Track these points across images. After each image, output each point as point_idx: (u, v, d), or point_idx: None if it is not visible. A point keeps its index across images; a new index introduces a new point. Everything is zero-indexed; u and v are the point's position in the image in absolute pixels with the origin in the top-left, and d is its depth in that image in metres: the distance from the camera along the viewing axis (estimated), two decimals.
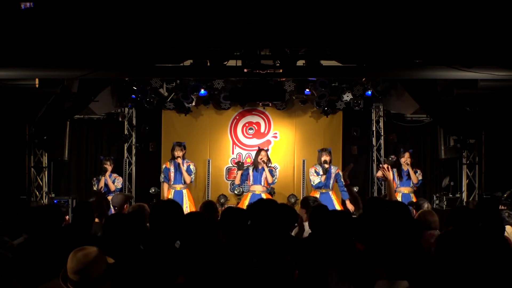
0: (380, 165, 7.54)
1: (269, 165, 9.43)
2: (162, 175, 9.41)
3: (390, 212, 4.20)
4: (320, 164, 9.15)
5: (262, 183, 9.13)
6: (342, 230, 3.48)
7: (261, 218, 3.84)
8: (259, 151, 9.36)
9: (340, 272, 2.65)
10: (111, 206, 5.90)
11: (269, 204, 4.07)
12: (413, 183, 9.02)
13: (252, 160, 9.58)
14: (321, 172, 9.08)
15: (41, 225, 3.66)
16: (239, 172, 9.27)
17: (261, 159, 9.11)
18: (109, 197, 6.74)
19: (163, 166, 9.51)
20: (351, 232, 3.53)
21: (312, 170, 9.26)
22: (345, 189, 8.38)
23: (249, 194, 9.10)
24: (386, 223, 3.97)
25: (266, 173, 9.08)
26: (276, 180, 9.64)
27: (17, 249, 3.67)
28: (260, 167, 9.10)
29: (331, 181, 9.15)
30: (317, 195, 8.88)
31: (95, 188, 9.08)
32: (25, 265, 3.33)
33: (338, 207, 8.74)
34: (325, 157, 9.09)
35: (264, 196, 8.66)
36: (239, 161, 9.87)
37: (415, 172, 9.08)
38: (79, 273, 2.57)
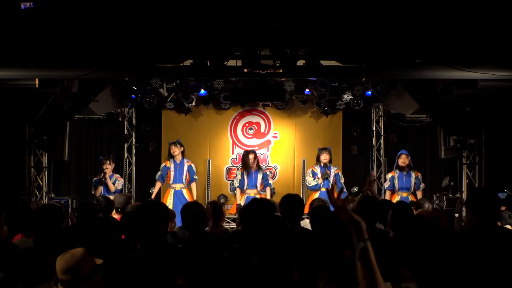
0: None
1: (263, 166, 9.45)
2: (159, 173, 9.33)
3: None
4: (319, 160, 9.20)
5: (258, 187, 9.14)
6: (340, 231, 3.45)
7: (257, 219, 3.85)
8: (247, 154, 9.30)
9: (328, 276, 2.62)
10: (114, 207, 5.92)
11: (263, 203, 4.08)
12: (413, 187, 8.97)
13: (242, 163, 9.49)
14: (319, 175, 9.12)
15: (44, 226, 3.67)
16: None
17: (252, 163, 9.12)
18: (111, 197, 6.74)
19: (162, 165, 9.42)
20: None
21: (309, 171, 9.31)
22: (345, 192, 8.53)
23: (244, 196, 9.08)
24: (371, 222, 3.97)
25: (258, 182, 9.10)
26: (271, 183, 9.66)
27: (23, 250, 3.68)
28: (253, 170, 9.11)
29: (331, 181, 9.19)
30: (317, 194, 8.92)
31: (93, 192, 8.99)
32: (28, 265, 3.35)
33: None
34: (325, 156, 9.15)
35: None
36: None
37: (417, 182, 8.97)
38: (68, 271, 2.66)
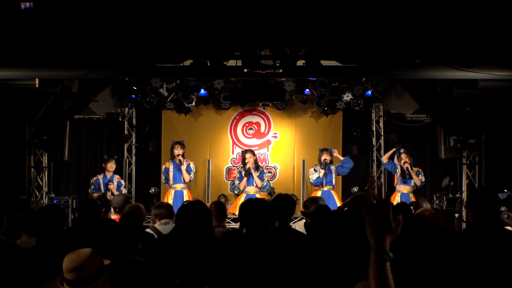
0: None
1: (260, 166, 9.52)
2: (163, 176, 9.49)
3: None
4: (320, 161, 9.33)
5: (255, 184, 9.22)
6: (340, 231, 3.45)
7: (254, 218, 3.85)
8: (244, 153, 9.46)
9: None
10: (111, 207, 5.90)
11: (258, 203, 4.08)
12: (415, 183, 9.11)
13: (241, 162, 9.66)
14: (319, 169, 9.25)
15: (46, 226, 3.68)
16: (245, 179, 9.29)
17: (247, 162, 9.26)
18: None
19: (163, 167, 9.55)
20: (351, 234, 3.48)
21: (311, 170, 9.45)
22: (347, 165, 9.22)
23: (243, 195, 9.14)
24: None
25: (255, 178, 9.18)
26: (265, 184, 9.70)
27: (26, 250, 3.68)
28: (247, 167, 9.24)
29: (333, 179, 9.28)
30: (319, 193, 8.97)
31: (96, 195, 8.97)
32: (33, 265, 3.35)
33: (339, 204, 8.78)
34: (326, 157, 9.25)
35: (258, 196, 8.66)
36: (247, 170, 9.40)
37: (417, 174, 9.17)
38: (73, 271, 2.67)
